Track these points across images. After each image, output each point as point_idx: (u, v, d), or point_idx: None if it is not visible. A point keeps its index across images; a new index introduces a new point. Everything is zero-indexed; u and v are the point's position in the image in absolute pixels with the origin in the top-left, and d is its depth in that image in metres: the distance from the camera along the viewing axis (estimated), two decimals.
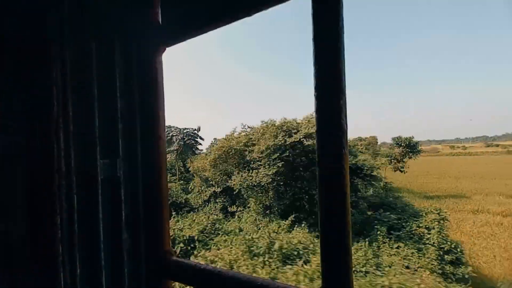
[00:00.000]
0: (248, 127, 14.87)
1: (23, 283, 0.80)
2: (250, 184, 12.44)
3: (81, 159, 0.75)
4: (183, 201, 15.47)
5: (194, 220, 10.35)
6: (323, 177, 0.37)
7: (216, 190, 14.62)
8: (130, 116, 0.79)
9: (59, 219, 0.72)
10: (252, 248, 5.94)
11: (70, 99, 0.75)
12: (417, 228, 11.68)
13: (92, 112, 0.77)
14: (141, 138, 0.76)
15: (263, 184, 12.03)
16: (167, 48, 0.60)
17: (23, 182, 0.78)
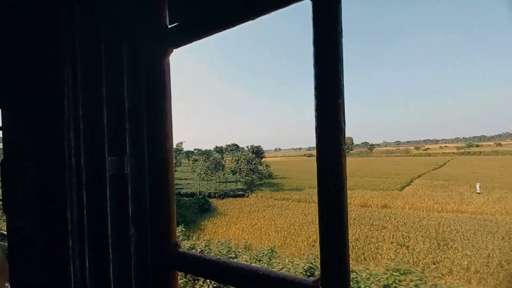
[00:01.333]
0: None
1: (36, 276, 0.83)
2: None
3: (91, 156, 0.78)
4: None
5: None
6: (322, 172, 0.39)
7: None
8: (137, 116, 0.81)
9: (69, 214, 0.75)
10: None
11: (80, 98, 0.78)
12: None
13: (101, 111, 0.79)
14: (148, 137, 0.78)
15: None
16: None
17: (35, 178, 0.81)
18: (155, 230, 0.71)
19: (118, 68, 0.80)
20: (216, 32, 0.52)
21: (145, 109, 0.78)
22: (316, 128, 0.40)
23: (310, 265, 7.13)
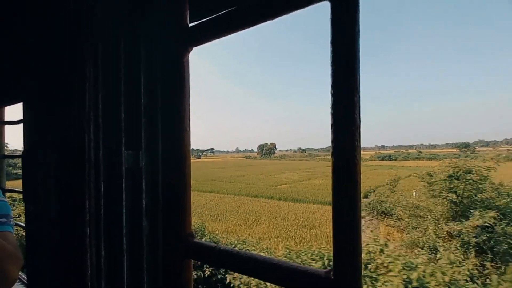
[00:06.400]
0: None
1: (53, 263, 0.87)
2: None
3: (108, 150, 0.82)
4: None
5: None
6: (337, 167, 0.41)
7: None
8: (152, 112, 0.84)
9: (87, 205, 0.78)
10: None
11: (100, 94, 0.81)
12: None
13: (119, 106, 0.83)
14: (163, 132, 0.81)
15: None
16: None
17: (55, 169, 0.85)
18: (170, 220, 0.73)
19: (135, 65, 0.83)
20: (235, 32, 0.54)
21: (161, 106, 0.81)
22: (332, 125, 0.42)
23: None
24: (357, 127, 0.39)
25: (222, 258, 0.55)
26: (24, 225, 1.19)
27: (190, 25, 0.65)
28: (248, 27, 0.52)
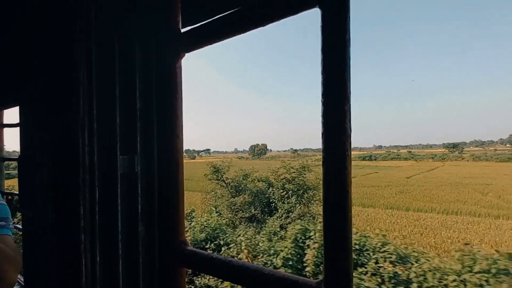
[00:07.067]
0: None
1: (48, 269, 0.87)
2: None
3: (103, 155, 0.81)
4: None
5: None
6: (327, 176, 0.41)
7: None
8: (148, 116, 0.84)
9: (82, 210, 0.78)
10: None
11: (94, 98, 0.81)
12: None
13: (114, 111, 0.82)
14: (158, 137, 0.81)
15: None
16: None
17: (50, 174, 0.85)
18: (163, 227, 0.73)
19: (131, 69, 0.83)
20: (227, 38, 0.54)
21: (156, 110, 0.80)
22: (323, 133, 0.41)
23: None
24: (348, 136, 0.39)
25: (214, 266, 0.55)
26: (21, 227, 1.19)
27: (183, 30, 0.65)
28: (240, 33, 0.51)
